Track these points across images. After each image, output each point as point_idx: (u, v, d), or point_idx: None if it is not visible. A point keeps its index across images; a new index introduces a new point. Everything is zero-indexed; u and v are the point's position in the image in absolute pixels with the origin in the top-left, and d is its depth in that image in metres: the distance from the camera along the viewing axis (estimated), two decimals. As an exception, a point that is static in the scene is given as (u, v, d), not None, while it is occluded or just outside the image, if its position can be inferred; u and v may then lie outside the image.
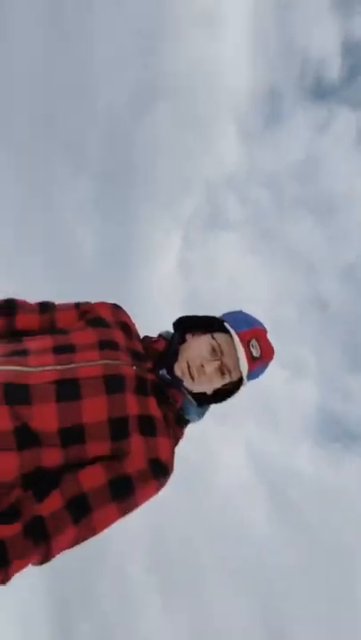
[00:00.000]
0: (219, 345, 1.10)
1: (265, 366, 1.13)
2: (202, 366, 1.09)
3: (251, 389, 1.14)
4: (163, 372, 1.10)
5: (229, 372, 1.10)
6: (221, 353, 1.09)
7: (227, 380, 1.12)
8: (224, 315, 1.16)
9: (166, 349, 1.11)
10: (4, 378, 0.95)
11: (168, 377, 1.09)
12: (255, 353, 1.09)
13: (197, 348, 1.11)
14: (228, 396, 1.15)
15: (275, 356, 1.14)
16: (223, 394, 1.15)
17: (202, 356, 1.10)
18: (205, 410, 1.17)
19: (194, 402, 1.12)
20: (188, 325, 1.16)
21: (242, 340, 1.09)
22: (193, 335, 1.15)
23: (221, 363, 1.09)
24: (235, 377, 1.11)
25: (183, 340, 1.15)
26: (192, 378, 1.10)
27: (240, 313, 1.15)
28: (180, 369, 1.10)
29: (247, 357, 1.08)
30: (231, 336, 1.09)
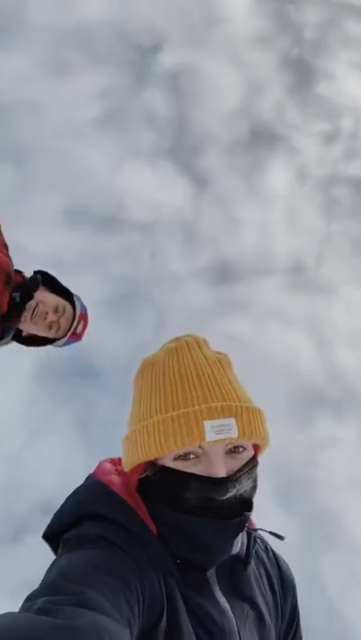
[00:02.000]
0: (64, 309, 1.43)
1: (73, 342, 1.51)
2: (46, 313, 1.41)
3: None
4: (17, 295, 1.35)
5: (57, 330, 1.44)
6: (62, 314, 1.43)
7: (50, 334, 1.46)
8: (75, 294, 1.50)
9: (28, 282, 1.37)
10: None
11: (17, 301, 1.35)
12: (78, 330, 1.47)
13: (53, 299, 1.43)
14: (34, 345, 1.50)
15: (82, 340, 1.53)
16: (32, 341, 1.48)
17: (53, 305, 1.42)
18: (4, 345, 1.46)
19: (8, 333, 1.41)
20: (48, 281, 1.47)
21: (78, 316, 1.46)
22: (46, 289, 1.46)
23: (59, 320, 1.42)
24: (57, 336, 1.46)
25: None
26: (31, 317, 1.40)
27: (82, 300, 1.50)
28: (29, 306, 1.37)
29: (73, 333, 1.46)
30: (74, 309, 1.45)
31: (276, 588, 0.77)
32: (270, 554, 0.81)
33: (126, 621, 0.56)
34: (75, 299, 1.51)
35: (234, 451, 0.71)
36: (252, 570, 0.76)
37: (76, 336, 1.53)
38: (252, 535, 0.74)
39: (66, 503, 0.74)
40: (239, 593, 0.72)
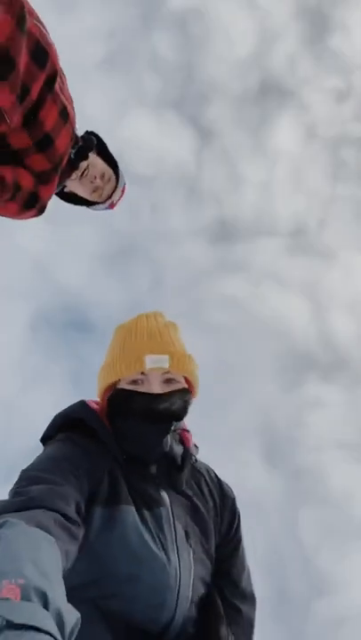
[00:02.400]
0: (110, 177, 1.50)
1: (106, 210, 1.62)
2: (94, 177, 1.46)
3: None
4: (72, 152, 1.39)
5: (98, 196, 1.52)
6: (107, 182, 1.51)
7: (90, 198, 1.53)
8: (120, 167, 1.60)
9: (83, 142, 1.43)
10: None
11: (72, 157, 1.40)
12: (115, 200, 1.58)
13: (102, 165, 1.48)
14: (71, 203, 1.57)
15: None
16: (71, 199, 1.58)
17: (101, 171, 1.47)
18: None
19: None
20: (100, 146, 1.54)
21: (120, 188, 1.56)
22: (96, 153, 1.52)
23: (103, 187, 1.51)
24: (96, 200, 1.54)
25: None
26: (80, 177, 1.46)
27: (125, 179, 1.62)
28: (80, 166, 1.43)
29: (110, 203, 1.56)
30: (117, 180, 1.53)
31: (216, 497, 1.05)
32: (213, 474, 1.09)
33: (70, 485, 0.84)
34: (119, 169, 1.56)
35: (169, 380, 1.00)
36: (189, 478, 1.04)
37: (112, 206, 1.61)
38: (188, 452, 1.03)
39: (57, 415, 1.02)
40: (174, 488, 0.99)
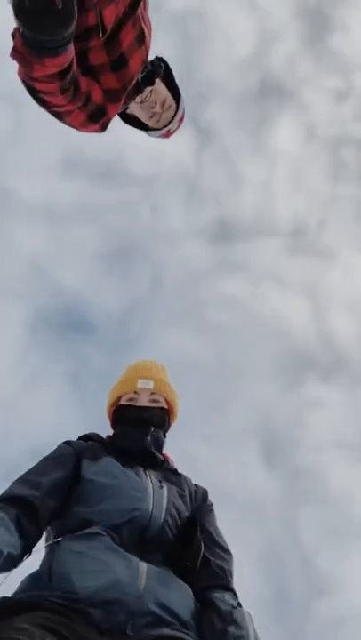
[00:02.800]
0: (170, 105, 1.55)
1: (161, 138, 1.66)
2: (155, 103, 1.51)
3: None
4: (140, 75, 1.41)
5: (156, 122, 1.56)
6: (167, 110, 1.55)
7: (149, 123, 1.57)
8: (182, 96, 1.63)
9: (152, 67, 1.48)
10: None
11: (139, 81, 1.42)
12: (172, 129, 1.61)
13: (164, 92, 1.52)
14: (129, 124, 1.60)
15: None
16: (129, 121, 1.59)
17: (163, 98, 1.52)
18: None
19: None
20: (166, 72, 1.57)
21: (178, 117, 1.59)
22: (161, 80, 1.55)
23: (162, 114, 1.54)
24: (153, 126, 1.57)
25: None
26: (142, 100, 1.49)
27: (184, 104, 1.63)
28: (145, 90, 1.48)
29: (167, 131, 1.61)
30: (177, 109, 1.56)
31: (192, 490, 1.39)
32: (191, 482, 1.42)
33: (41, 471, 1.26)
34: (181, 100, 1.60)
35: (154, 400, 1.48)
36: (169, 473, 1.38)
37: (168, 134, 1.65)
38: (168, 465, 1.43)
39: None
40: (153, 468, 1.35)
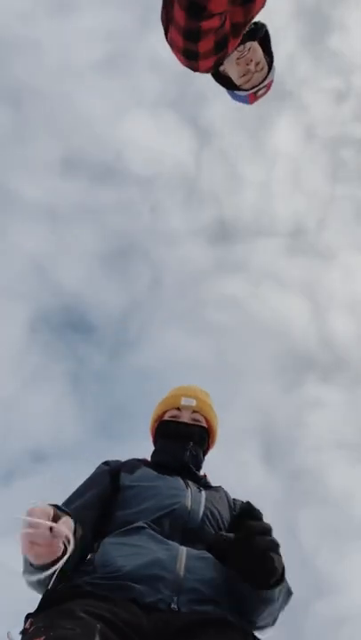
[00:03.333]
0: (263, 67, 1.58)
1: (245, 102, 1.69)
2: (251, 60, 1.54)
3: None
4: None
5: (246, 81, 1.58)
6: (259, 71, 1.58)
7: (238, 82, 1.58)
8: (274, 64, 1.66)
9: (256, 26, 1.53)
10: None
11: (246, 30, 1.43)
12: (259, 93, 1.65)
13: (261, 54, 1.56)
14: (219, 82, 1.63)
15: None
16: (220, 79, 1.61)
17: (258, 58, 1.56)
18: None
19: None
20: (264, 36, 1.61)
21: (267, 81, 1.63)
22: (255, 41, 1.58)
23: (253, 74, 1.56)
24: (242, 86, 1.60)
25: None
26: (238, 57, 1.53)
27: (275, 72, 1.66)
28: (244, 46, 1.51)
29: (253, 94, 1.65)
30: (268, 74, 1.59)
31: (230, 501, 1.41)
32: (231, 498, 1.45)
33: (91, 498, 1.30)
34: (273, 68, 1.64)
35: (196, 419, 1.55)
36: (208, 487, 1.42)
37: (253, 99, 1.68)
38: (206, 479, 1.47)
39: None
40: (193, 483, 1.38)
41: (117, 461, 1.43)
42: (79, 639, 0.85)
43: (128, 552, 1.11)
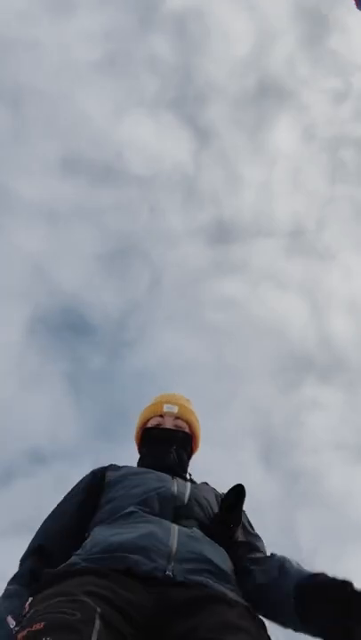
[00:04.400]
0: None
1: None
2: None
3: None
4: None
5: None
6: None
7: None
8: None
9: None
10: None
11: None
12: None
13: None
14: None
15: None
16: None
17: None
18: None
19: None
20: None
21: None
22: None
23: None
24: None
25: None
26: None
27: None
28: None
29: None
30: None
31: (218, 494, 1.43)
32: (218, 492, 1.46)
33: (76, 504, 1.37)
34: None
35: (178, 425, 1.59)
36: (193, 484, 1.43)
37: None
38: (191, 478, 1.50)
39: None
40: (179, 478, 1.40)
41: (102, 466, 1.47)
42: (79, 625, 0.85)
43: (121, 530, 1.14)
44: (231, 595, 1.05)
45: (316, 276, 8.68)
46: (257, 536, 1.34)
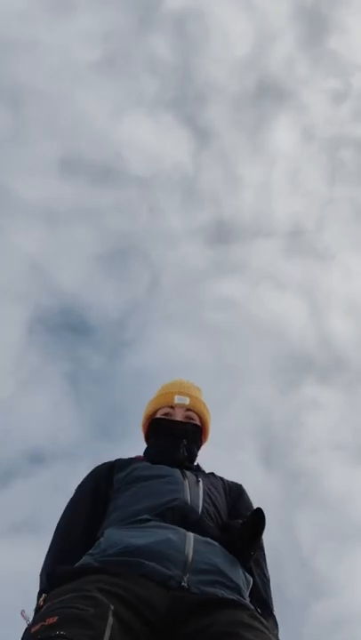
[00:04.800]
0: None
1: None
2: None
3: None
4: None
5: None
6: None
7: None
8: None
9: None
10: None
11: None
12: None
13: None
14: None
15: None
16: None
17: None
18: None
19: None
20: None
21: None
22: None
23: None
24: None
25: None
26: None
27: None
28: None
29: None
30: None
31: (226, 487, 1.43)
32: (225, 480, 1.48)
33: (90, 493, 1.37)
34: None
35: (189, 417, 1.54)
36: (204, 474, 1.43)
37: None
38: (199, 467, 1.48)
39: None
40: (189, 472, 1.38)
41: (107, 463, 1.41)
42: (92, 620, 0.85)
43: (137, 534, 1.13)
44: (243, 602, 1.08)
45: (316, 276, 8.68)
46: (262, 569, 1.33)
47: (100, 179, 7.70)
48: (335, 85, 8.50)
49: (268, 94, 8.56)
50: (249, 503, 1.41)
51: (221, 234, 8.11)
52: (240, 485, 1.46)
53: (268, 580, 1.32)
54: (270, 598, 1.29)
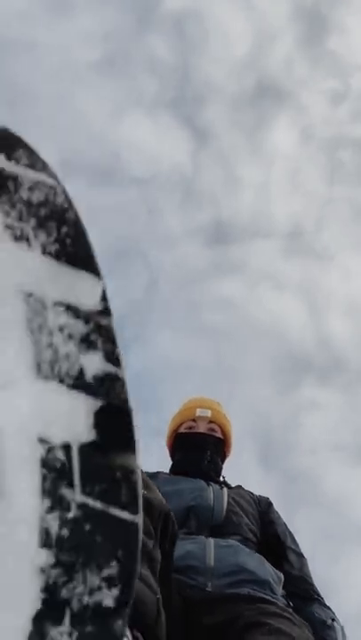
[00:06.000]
0: None
1: None
2: None
3: None
4: None
5: None
6: None
7: None
8: None
9: None
10: None
11: None
12: None
13: None
14: None
15: None
16: None
17: None
18: None
19: None
20: None
21: None
22: None
23: None
24: None
25: None
26: None
27: None
28: None
29: None
30: None
31: (256, 498, 1.46)
32: (254, 493, 1.51)
33: None
34: None
35: (211, 429, 1.57)
36: (226, 487, 1.44)
37: None
38: (226, 482, 1.50)
39: None
40: (214, 483, 1.41)
41: None
42: None
43: None
44: (273, 597, 1.10)
45: (315, 276, 8.68)
46: (297, 559, 1.39)
47: (99, 179, 7.70)
48: (335, 86, 8.52)
49: (267, 94, 8.56)
50: (278, 515, 1.43)
51: (220, 234, 8.12)
52: (268, 498, 1.48)
53: (303, 564, 1.37)
54: (310, 584, 1.33)
